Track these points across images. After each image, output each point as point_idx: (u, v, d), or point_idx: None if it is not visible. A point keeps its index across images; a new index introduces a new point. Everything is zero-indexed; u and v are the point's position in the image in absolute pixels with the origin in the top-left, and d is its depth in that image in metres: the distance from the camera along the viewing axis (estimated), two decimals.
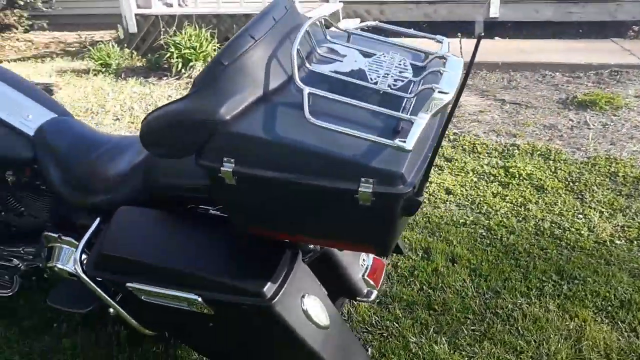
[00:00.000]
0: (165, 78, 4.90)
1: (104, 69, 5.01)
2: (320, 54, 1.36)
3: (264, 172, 1.17)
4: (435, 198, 2.83)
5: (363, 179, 1.15)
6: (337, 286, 1.75)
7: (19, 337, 1.96)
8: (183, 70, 4.84)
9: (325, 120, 1.11)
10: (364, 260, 1.80)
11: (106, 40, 5.75)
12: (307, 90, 1.14)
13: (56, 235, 1.77)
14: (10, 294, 1.99)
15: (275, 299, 1.30)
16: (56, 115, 1.85)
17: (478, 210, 2.70)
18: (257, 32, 1.25)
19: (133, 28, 5.53)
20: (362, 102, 1.17)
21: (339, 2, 5.52)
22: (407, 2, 6.10)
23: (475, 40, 1.04)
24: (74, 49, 6.17)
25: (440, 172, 3.09)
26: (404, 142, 1.07)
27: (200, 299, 1.33)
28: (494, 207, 2.72)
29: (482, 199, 2.79)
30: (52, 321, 2.00)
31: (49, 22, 6.63)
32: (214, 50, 4.90)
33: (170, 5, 6.03)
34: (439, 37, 1.42)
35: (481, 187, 2.92)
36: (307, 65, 1.30)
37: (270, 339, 1.48)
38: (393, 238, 1.30)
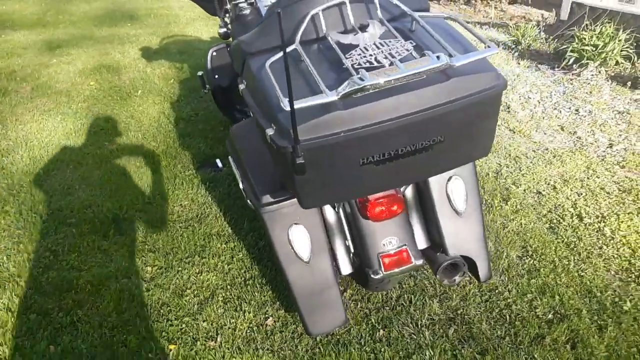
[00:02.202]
0: (556, 69, 5.12)
1: (513, 46, 5.64)
2: (354, 26, 1.68)
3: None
4: None
5: (272, 124, 1.54)
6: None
7: None
8: (574, 66, 4.99)
9: (281, 76, 1.39)
10: (390, 242, 1.95)
11: (536, 20, 6.25)
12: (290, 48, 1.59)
13: None
14: None
15: (265, 209, 1.92)
16: None
17: None
18: None
19: (565, 15, 5.81)
20: (317, 69, 1.49)
21: None
22: None
23: None
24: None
25: None
26: (285, 103, 1.38)
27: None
28: None
29: None
30: None
31: None
32: (615, 52, 4.83)
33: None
34: (492, 46, 1.52)
35: None
36: (332, 31, 1.67)
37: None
38: (304, 192, 1.57)
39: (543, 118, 3.99)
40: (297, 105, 1.37)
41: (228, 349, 2.13)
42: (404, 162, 1.62)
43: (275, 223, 1.94)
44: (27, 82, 4.92)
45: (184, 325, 2.25)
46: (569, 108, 4.14)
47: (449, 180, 2.06)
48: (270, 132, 1.52)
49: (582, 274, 2.48)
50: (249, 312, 2.29)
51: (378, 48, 1.57)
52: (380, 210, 1.91)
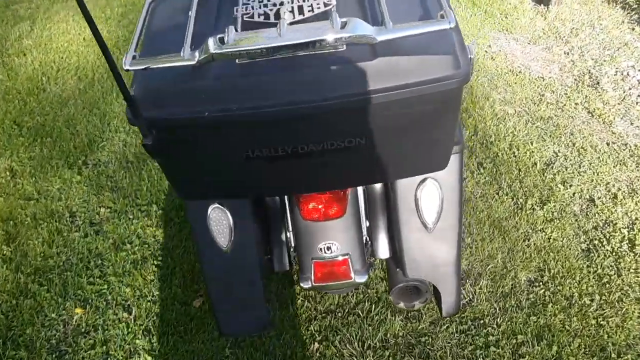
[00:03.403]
0: None
1: (636, 5, 4.59)
2: None
3: None
4: None
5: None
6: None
7: None
8: None
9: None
10: (329, 247, 1.53)
11: None
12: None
13: None
14: None
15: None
16: None
17: None
18: None
19: None
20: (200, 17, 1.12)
21: None
22: None
23: None
24: None
25: None
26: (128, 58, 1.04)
27: None
28: None
29: None
30: None
31: None
32: None
33: None
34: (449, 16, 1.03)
35: None
36: None
37: None
38: (174, 181, 1.27)
39: (637, 104, 3.20)
40: (136, 65, 0.97)
41: (138, 327, 1.84)
42: (309, 164, 1.17)
43: (194, 210, 1.57)
44: None
45: (105, 286, 1.98)
46: None
47: (420, 183, 1.54)
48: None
49: (602, 322, 1.90)
50: (178, 287, 1.97)
51: None
52: (313, 208, 1.48)
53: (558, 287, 2.02)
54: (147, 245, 2.12)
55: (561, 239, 2.22)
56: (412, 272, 1.60)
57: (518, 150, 2.66)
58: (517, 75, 3.14)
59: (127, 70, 1.02)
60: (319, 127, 1.11)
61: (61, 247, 2.11)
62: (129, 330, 1.83)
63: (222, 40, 0.95)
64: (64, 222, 2.21)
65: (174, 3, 1.24)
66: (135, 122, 1.04)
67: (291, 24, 1.00)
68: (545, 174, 2.56)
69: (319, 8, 1.05)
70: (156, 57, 1.02)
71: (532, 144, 2.71)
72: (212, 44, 0.95)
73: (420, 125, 1.13)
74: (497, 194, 2.41)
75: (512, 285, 2.03)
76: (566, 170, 2.58)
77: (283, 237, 1.71)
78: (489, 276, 2.06)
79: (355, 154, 1.16)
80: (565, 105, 2.95)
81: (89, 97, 3.02)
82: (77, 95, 3.05)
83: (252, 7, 1.08)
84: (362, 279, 1.55)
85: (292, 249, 1.70)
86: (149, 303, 1.92)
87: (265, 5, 1.08)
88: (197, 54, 0.97)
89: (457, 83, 1.05)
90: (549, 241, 2.21)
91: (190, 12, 1.11)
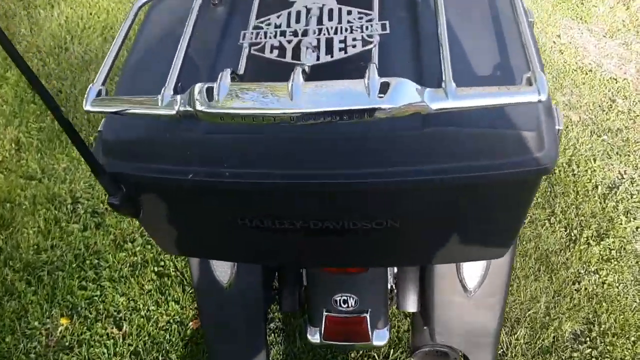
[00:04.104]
0: None
1: None
2: None
3: None
4: None
5: None
6: None
7: None
8: None
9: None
10: (346, 301, 1.27)
11: None
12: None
13: None
14: None
15: None
16: None
17: None
18: None
19: None
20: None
21: None
22: None
23: None
24: None
25: None
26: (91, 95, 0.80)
27: None
28: None
29: None
30: None
31: None
32: None
33: None
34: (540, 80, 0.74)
35: None
36: None
37: None
38: (153, 234, 1.05)
39: None
40: (100, 107, 0.76)
41: (127, 347, 1.66)
42: (323, 241, 0.92)
43: None
44: None
45: (97, 293, 1.80)
46: None
47: None
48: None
49: None
50: (176, 303, 1.77)
51: (319, 19, 0.80)
52: None
53: (608, 347, 1.74)
54: (149, 247, 1.92)
55: (617, 284, 1.92)
56: (443, 337, 1.35)
57: (578, 167, 2.32)
58: (586, 74, 2.75)
59: (88, 112, 0.78)
60: (340, 206, 0.85)
61: (57, 240, 1.93)
62: (116, 350, 1.65)
63: (210, 93, 0.68)
64: (64, 210, 2.03)
65: (172, 13, 0.98)
66: (99, 176, 0.80)
67: (312, 68, 0.73)
68: (606, 200, 2.22)
69: (354, 47, 0.75)
70: (128, 98, 0.76)
71: (594, 161, 2.36)
72: (197, 95, 0.68)
73: (477, 215, 0.86)
74: (549, 220, 2.11)
75: (554, 338, 1.76)
76: (631, 198, 2.24)
77: (293, 274, 1.47)
78: (529, 324, 1.79)
79: (385, 235, 0.89)
80: (638, 116, 2.57)
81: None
82: (100, 58, 2.82)
83: (265, 35, 0.79)
84: (381, 342, 1.30)
85: (303, 289, 1.47)
86: (142, 319, 1.73)
87: (283, 34, 0.79)
88: (178, 102, 0.71)
89: (538, 172, 0.76)
90: (603, 286, 1.91)
91: (183, 33, 0.83)
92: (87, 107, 0.77)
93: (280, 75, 0.70)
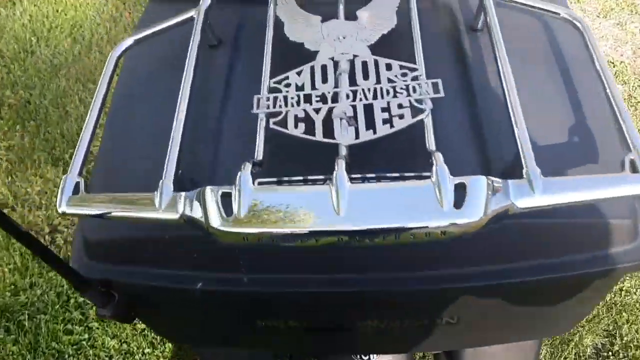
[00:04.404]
0: None
1: None
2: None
3: None
4: None
5: None
6: None
7: None
8: None
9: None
10: None
11: None
12: None
13: None
14: None
15: None
16: None
17: None
18: None
19: None
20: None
21: None
22: None
23: None
24: None
25: None
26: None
27: None
28: None
29: None
30: None
31: None
32: None
33: None
34: None
35: None
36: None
37: None
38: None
39: None
40: (77, 208, 0.62)
41: None
42: (356, 335, 0.79)
43: None
44: None
45: (85, 336, 1.64)
46: None
47: None
48: None
49: None
50: (174, 344, 1.64)
51: (351, 77, 0.65)
52: None
53: None
54: None
55: (635, 290, 1.84)
56: None
57: None
58: None
59: (63, 214, 0.62)
60: (389, 307, 0.71)
61: (36, 277, 1.76)
62: None
63: (227, 202, 0.53)
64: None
65: (158, 59, 0.81)
66: (84, 293, 0.66)
67: (350, 150, 0.58)
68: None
69: (401, 117, 0.59)
70: (113, 195, 0.61)
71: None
72: (210, 204, 0.53)
73: (547, 308, 0.74)
74: None
75: (575, 354, 1.68)
76: None
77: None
78: (549, 341, 1.70)
79: (438, 328, 0.77)
80: (639, 102, 2.47)
81: (83, 66, 2.57)
82: (70, 62, 2.60)
83: (285, 101, 0.61)
84: None
85: None
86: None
87: (308, 99, 0.61)
88: (182, 204, 0.56)
89: (634, 267, 0.64)
90: (621, 294, 1.83)
91: (180, 95, 0.67)
92: (63, 209, 0.61)
93: (310, 156, 0.55)
